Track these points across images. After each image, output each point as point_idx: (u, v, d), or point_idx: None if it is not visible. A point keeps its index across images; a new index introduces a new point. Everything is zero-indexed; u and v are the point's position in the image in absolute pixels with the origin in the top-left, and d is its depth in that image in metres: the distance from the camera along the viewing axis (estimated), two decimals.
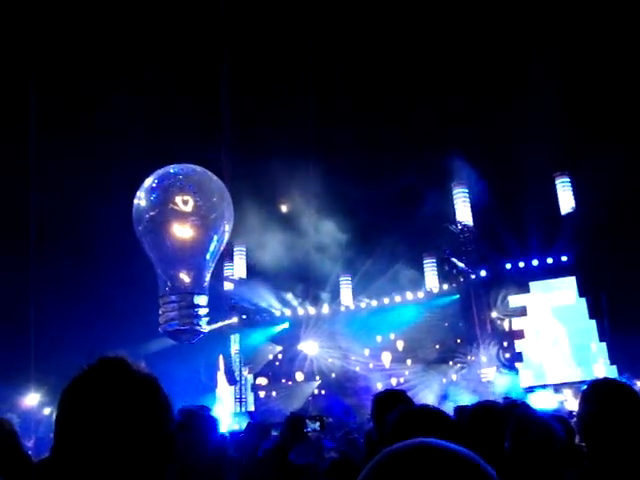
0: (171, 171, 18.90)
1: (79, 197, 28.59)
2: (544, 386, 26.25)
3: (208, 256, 18.70)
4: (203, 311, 18.46)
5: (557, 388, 25.78)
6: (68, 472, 1.28)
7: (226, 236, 19.15)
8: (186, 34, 30.14)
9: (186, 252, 18.18)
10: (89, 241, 28.09)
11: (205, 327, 18.65)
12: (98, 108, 28.95)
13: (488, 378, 28.90)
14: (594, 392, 2.53)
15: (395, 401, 3.05)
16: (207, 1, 26.36)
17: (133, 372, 1.36)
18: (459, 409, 4.71)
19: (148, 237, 18.20)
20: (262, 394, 35.40)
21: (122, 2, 29.31)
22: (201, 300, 18.41)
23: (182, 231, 18.01)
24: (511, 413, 4.53)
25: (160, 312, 18.33)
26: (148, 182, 18.76)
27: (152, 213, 18.06)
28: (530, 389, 25.91)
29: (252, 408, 33.90)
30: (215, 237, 18.62)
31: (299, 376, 35.05)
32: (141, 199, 18.50)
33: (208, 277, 19.06)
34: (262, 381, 36.04)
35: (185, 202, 18.09)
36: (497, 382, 27.72)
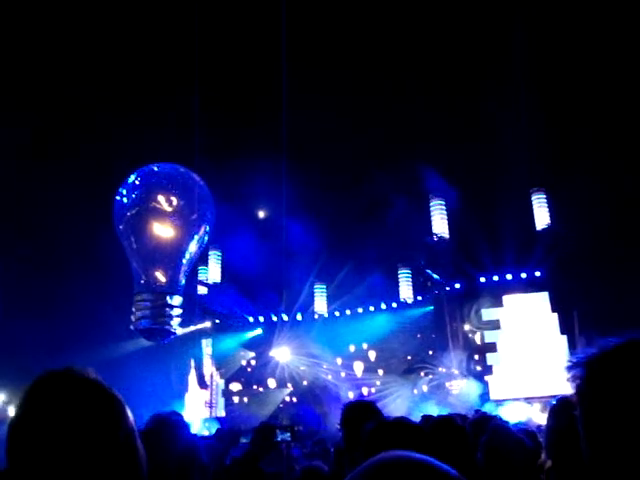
0: (155, 169, 18.87)
1: (45, 193, 28.27)
2: (514, 399, 26.42)
3: (186, 257, 18.65)
4: (176, 311, 18.38)
5: (527, 401, 25.96)
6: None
7: (206, 238, 19.11)
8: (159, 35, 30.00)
9: (165, 251, 18.13)
10: (55, 238, 27.73)
11: (177, 328, 18.55)
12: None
13: (458, 390, 29.03)
14: (562, 407, 2.53)
15: (364, 411, 3.03)
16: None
17: (81, 380, 1.34)
18: (425, 418, 4.70)
19: (128, 234, 18.11)
20: (236, 399, 35.21)
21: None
22: (175, 300, 18.33)
23: (162, 230, 17.96)
24: (481, 425, 4.54)
25: (133, 309, 18.21)
26: (131, 179, 18.70)
27: (133, 211, 18.00)
28: (500, 402, 26.07)
29: (222, 413, 33.69)
30: (195, 238, 18.59)
31: (271, 383, 34.93)
32: (123, 196, 18.42)
33: (184, 278, 19.00)
34: (235, 387, 35.85)
35: (167, 201, 18.04)
36: (466, 392, 27.88)
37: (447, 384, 29.88)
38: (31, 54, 27.50)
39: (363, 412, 3.00)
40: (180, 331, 19.25)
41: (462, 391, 28.52)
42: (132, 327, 18.45)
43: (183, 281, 18.99)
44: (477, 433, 3.58)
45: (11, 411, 29.75)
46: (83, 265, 27.79)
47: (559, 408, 2.59)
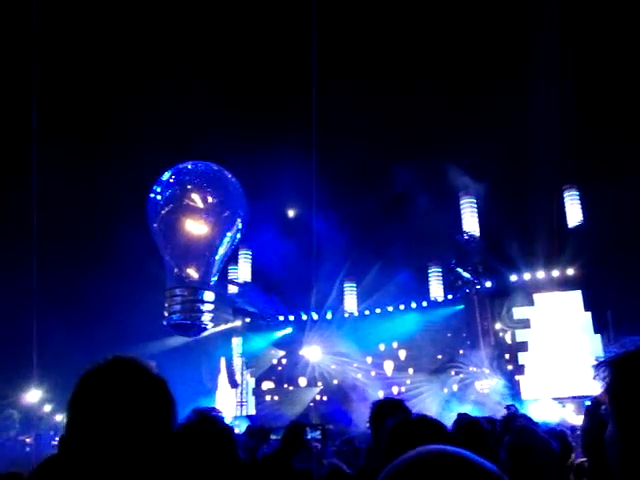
0: (189, 167, 19.09)
1: (82, 198, 28.75)
2: (547, 399, 26.13)
3: (219, 253, 18.83)
4: (208, 307, 18.54)
5: (560, 402, 25.66)
6: (75, 466, 1.29)
7: (239, 235, 19.25)
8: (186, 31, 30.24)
9: (197, 248, 18.33)
10: (93, 241, 28.20)
11: (209, 323, 18.71)
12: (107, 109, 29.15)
13: (488, 389, 28.79)
14: (598, 407, 2.53)
15: (393, 409, 3.04)
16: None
17: (144, 371, 1.40)
18: (460, 417, 4.68)
19: (161, 231, 18.35)
20: (267, 398, 35.35)
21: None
22: (207, 296, 18.50)
23: (195, 227, 18.17)
24: (509, 424, 4.52)
25: (165, 305, 18.40)
26: (165, 177, 18.95)
27: (167, 208, 18.24)
28: (532, 401, 25.79)
29: (253, 412, 33.87)
30: (228, 235, 18.77)
31: (302, 381, 35.00)
32: (157, 193, 18.67)
33: (216, 275, 19.18)
34: (266, 385, 36.00)
35: (200, 199, 18.26)
36: (496, 391, 27.67)
37: (477, 383, 29.64)
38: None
39: (392, 410, 3.02)
40: (210, 326, 19.38)
41: (493, 390, 28.27)
42: (164, 322, 18.67)
43: (215, 277, 19.18)
44: (506, 431, 3.57)
45: (47, 408, 30.34)
46: (118, 264, 28.18)
47: (594, 408, 2.59)
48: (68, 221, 29.12)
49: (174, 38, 29.74)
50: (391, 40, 31.65)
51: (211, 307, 18.67)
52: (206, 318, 18.51)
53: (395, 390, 31.54)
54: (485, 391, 28.89)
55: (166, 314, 18.40)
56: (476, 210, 33.26)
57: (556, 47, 27.31)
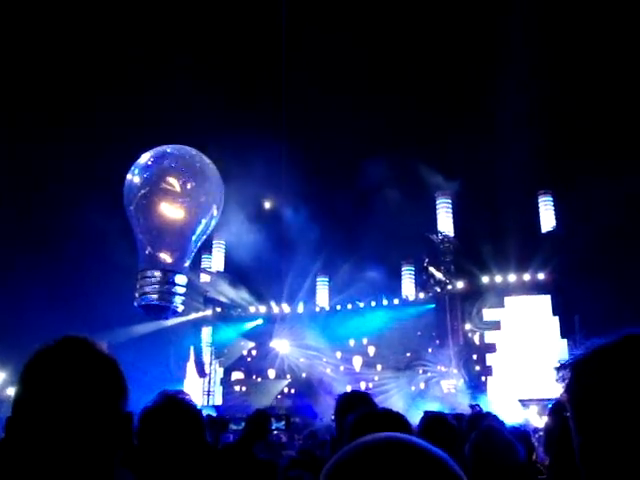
0: (168, 151, 18.95)
1: (52, 178, 28.32)
2: (512, 400, 26.41)
3: (194, 238, 18.76)
4: (181, 290, 18.47)
5: (524, 404, 25.95)
6: (22, 448, 1.27)
7: (214, 221, 19.18)
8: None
9: (172, 231, 18.24)
10: (57, 219, 27.80)
11: (180, 306, 18.64)
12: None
13: (454, 389, 29.04)
14: (560, 409, 2.55)
15: (359, 402, 3.02)
16: None
17: (96, 351, 1.37)
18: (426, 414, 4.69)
19: (137, 213, 18.22)
20: (236, 388, 35.25)
21: None
22: (180, 279, 18.43)
23: (171, 210, 18.08)
24: (476, 422, 4.54)
25: (137, 286, 18.29)
26: (143, 159, 18.79)
27: (143, 190, 18.11)
28: (497, 402, 26.05)
29: (220, 402, 33.77)
30: (203, 220, 18.70)
31: (271, 373, 34.97)
32: (134, 175, 18.53)
33: (189, 259, 19.11)
34: (235, 376, 35.91)
35: (177, 183, 18.17)
36: (462, 390, 27.95)
37: (444, 382, 29.88)
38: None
39: (357, 403, 2.99)
40: (181, 309, 19.31)
41: (459, 389, 28.53)
42: (135, 303, 18.55)
43: (188, 261, 19.14)
44: (472, 429, 3.58)
45: (10, 391, 29.91)
46: (86, 249, 27.88)
47: (558, 409, 2.61)
48: (35, 197, 28.73)
49: (153, 23, 29.43)
50: (369, 38, 31.70)
51: (183, 290, 18.63)
52: (177, 301, 18.46)
53: (363, 386, 31.64)
54: (452, 390, 29.14)
55: (137, 295, 18.30)
56: (451, 211, 33.48)
57: (533, 51, 27.59)
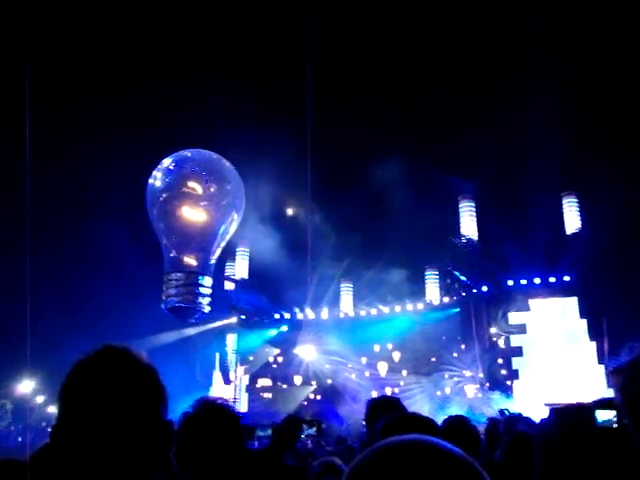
0: (188, 155, 19.31)
1: (79, 187, 28.65)
2: (539, 404, 26.15)
3: (216, 240, 19.04)
4: (206, 291, 18.70)
5: (551, 408, 25.66)
6: (67, 455, 1.30)
7: (235, 224, 19.44)
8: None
9: (196, 234, 18.54)
10: (89, 232, 28.12)
11: (206, 307, 18.86)
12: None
13: (481, 393, 28.83)
14: (556, 415, 2.55)
15: (389, 407, 3.04)
16: None
17: (136, 360, 1.40)
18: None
19: (160, 217, 18.55)
20: (261, 396, 35.31)
21: None
22: (205, 281, 18.68)
23: (194, 214, 18.39)
24: (511, 426, 4.52)
25: (163, 288, 18.56)
26: (165, 164, 19.14)
27: (165, 195, 18.44)
28: (524, 406, 25.81)
29: (245, 409, 33.84)
30: (225, 223, 19.00)
31: (297, 379, 34.99)
32: (156, 179, 18.90)
33: (214, 260, 19.36)
34: (260, 383, 35.97)
35: (199, 186, 18.47)
36: (489, 395, 27.75)
37: (470, 386, 29.67)
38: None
39: (387, 407, 3.01)
40: (207, 310, 19.52)
41: (485, 394, 28.32)
42: (162, 306, 18.82)
43: (213, 261, 19.40)
44: (507, 432, 3.58)
45: (40, 399, 30.30)
46: (116, 257, 28.13)
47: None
48: (66, 209, 29.04)
49: (167, 24, 29.59)
50: (388, 38, 31.60)
51: (209, 291, 18.87)
52: (204, 302, 18.71)
53: (388, 391, 31.51)
54: (478, 395, 28.93)
55: (163, 298, 18.60)
56: (474, 214, 33.29)
57: (559, 52, 27.37)
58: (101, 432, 1.28)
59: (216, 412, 2.31)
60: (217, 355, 35.67)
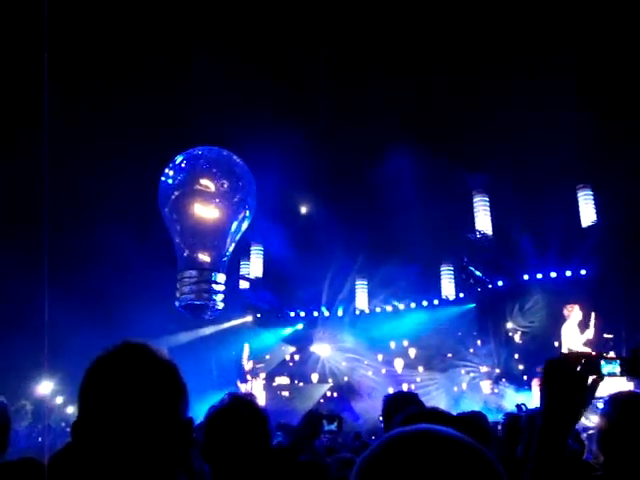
0: (199, 152, 19.44)
1: (94, 187, 28.72)
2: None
3: (229, 237, 19.17)
4: (219, 288, 18.79)
5: None
6: (87, 452, 1.30)
7: (247, 221, 19.53)
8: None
9: (209, 231, 18.69)
10: (106, 230, 28.21)
11: (220, 304, 18.93)
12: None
13: (497, 389, 28.74)
14: (615, 403, 2.58)
15: (406, 403, 3.03)
16: None
17: (156, 357, 1.39)
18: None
19: (172, 215, 18.68)
20: (278, 394, 35.38)
21: None
22: (219, 277, 18.78)
23: (206, 211, 18.51)
24: (533, 420, 4.51)
25: (177, 286, 18.67)
26: (177, 162, 19.28)
27: (178, 192, 18.59)
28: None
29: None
30: (237, 219, 19.11)
31: (314, 377, 35.05)
32: (168, 177, 19.04)
33: (227, 257, 19.46)
34: (279, 381, 36.06)
35: (211, 184, 18.60)
36: (505, 390, 27.64)
37: (488, 382, 29.58)
38: None
39: (404, 403, 3.00)
40: (221, 306, 19.57)
41: (503, 389, 28.22)
42: (176, 304, 18.92)
43: (226, 258, 19.50)
44: (530, 427, 3.57)
45: (59, 400, 30.56)
46: (133, 256, 28.21)
47: (612, 404, 2.63)
48: (85, 205, 29.14)
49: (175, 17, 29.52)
50: (401, 28, 31.36)
51: (222, 288, 18.96)
52: (218, 299, 18.78)
53: (405, 388, 31.46)
54: (495, 390, 28.83)
55: (178, 295, 18.70)
56: (489, 208, 33.15)
57: (575, 43, 27.16)
58: (121, 429, 1.28)
59: (245, 406, 2.34)
60: (233, 354, 35.80)
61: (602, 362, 1.59)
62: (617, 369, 1.59)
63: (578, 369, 1.57)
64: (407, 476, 0.87)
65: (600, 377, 1.63)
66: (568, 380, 1.55)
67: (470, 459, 0.90)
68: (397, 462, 0.90)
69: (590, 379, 1.58)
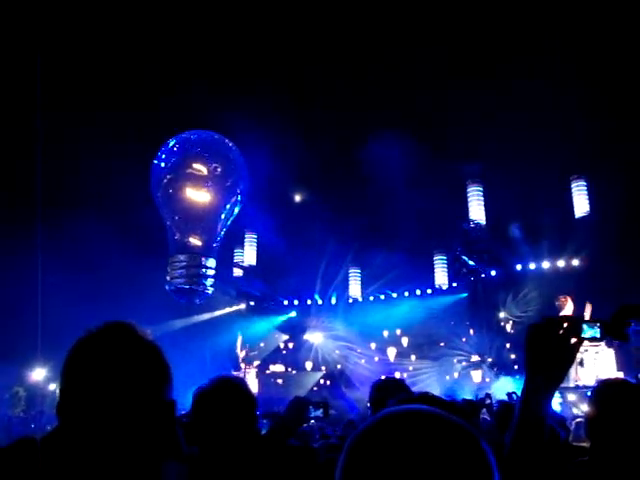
0: (192, 137, 19.39)
1: (92, 172, 28.52)
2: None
3: (220, 221, 19.15)
4: (210, 272, 18.79)
5: (560, 392, 25.69)
6: (73, 433, 1.31)
7: (237, 207, 19.50)
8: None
9: (201, 216, 18.67)
10: (100, 216, 28.08)
11: (210, 289, 18.93)
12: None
13: (489, 378, 28.88)
14: (604, 390, 2.64)
15: (394, 389, 3.07)
16: None
17: (139, 337, 1.39)
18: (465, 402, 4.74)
19: (164, 199, 18.66)
20: (273, 381, 35.41)
21: None
22: (210, 262, 18.77)
23: (198, 195, 18.48)
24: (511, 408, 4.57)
25: (168, 270, 18.64)
26: (169, 145, 19.24)
27: (170, 176, 18.55)
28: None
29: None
30: (229, 203, 19.09)
31: (308, 365, 35.11)
32: (161, 161, 18.98)
33: (218, 242, 19.43)
34: (272, 368, 36.09)
35: (203, 167, 18.56)
36: (497, 381, 27.75)
37: (478, 371, 29.72)
38: None
39: (392, 389, 3.04)
40: (211, 291, 19.53)
41: (494, 378, 28.36)
42: (167, 287, 18.91)
43: (216, 244, 19.49)
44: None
45: (52, 387, 30.56)
46: (127, 247, 28.13)
47: (601, 390, 2.69)
48: (78, 191, 28.95)
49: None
50: (394, 17, 31.17)
51: (213, 273, 18.95)
52: (208, 283, 18.78)
53: (397, 376, 31.54)
54: (486, 379, 28.98)
55: (168, 279, 18.68)
56: (482, 198, 33.18)
57: (569, 33, 27.12)
58: (103, 408, 1.28)
59: (232, 387, 2.35)
60: (226, 342, 35.80)
61: (584, 326, 1.65)
62: (598, 332, 1.66)
63: (560, 332, 1.62)
64: (396, 452, 0.90)
65: (581, 340, 1.68)
66: (551, 342, 1.61)
67: (457, 436, 0.93)
68: (387, 438, 0.93)
69: (572, 341, 1.65)
